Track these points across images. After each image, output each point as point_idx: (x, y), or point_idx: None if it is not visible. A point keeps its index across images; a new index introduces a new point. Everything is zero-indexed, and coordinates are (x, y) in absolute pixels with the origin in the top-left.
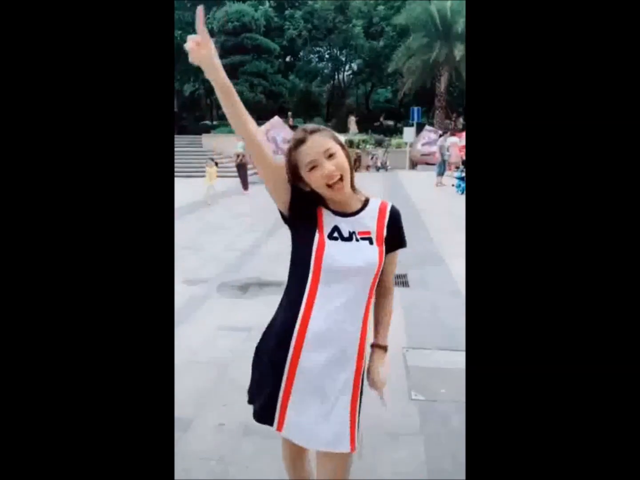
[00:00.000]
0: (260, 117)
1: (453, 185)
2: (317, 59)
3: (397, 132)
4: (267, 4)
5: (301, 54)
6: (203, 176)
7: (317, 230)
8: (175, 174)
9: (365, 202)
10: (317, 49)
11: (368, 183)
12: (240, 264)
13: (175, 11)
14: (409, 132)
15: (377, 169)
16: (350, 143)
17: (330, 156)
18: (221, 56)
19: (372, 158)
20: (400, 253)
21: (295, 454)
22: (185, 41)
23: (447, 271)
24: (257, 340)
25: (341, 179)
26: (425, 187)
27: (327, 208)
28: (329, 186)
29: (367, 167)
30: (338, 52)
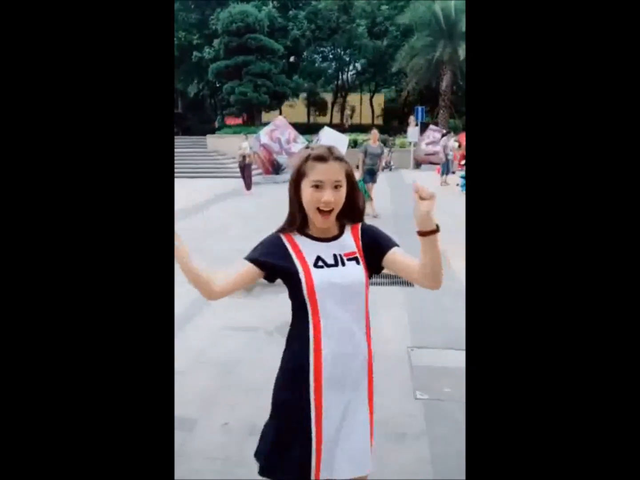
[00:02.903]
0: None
1: (458, 184)
2: (320, 59)
3: (401, 131)
4: (271, 4)
5: (305, 54)
6: (206, 177)
7: (299, 266)
8: (180, 174)
9: (342, 227)
10: (321, 49)
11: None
12: None
13: (179, 12)
14: (413, 132)
15: (382, 168)
16: (355, 142)
17: (336, 187)
18: (225, 57)
19: None
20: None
21: None
22: (189, 42)
23: (451, 270)
24: (262, 340)
25: (331, 211)
26: (429, 187)
27: (306, 234)
28: (319, 211)
29: None
30: (342, 52)
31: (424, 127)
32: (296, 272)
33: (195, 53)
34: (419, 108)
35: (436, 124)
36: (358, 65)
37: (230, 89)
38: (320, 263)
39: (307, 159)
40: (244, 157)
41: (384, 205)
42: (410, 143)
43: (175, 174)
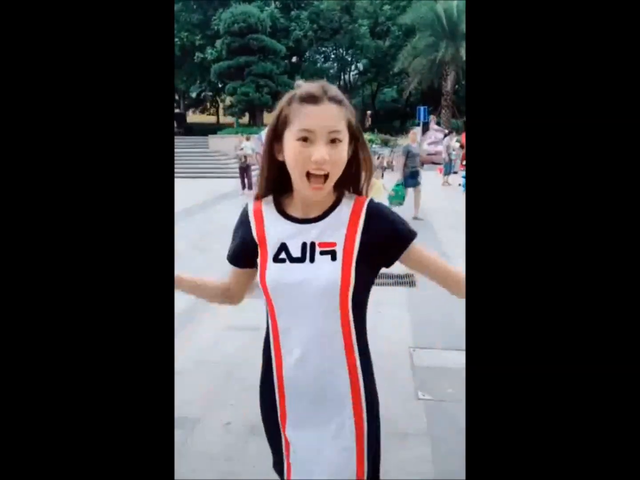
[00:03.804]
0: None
1: (460, 184)
2: (323, 60)
3: (403, 131)
4: (273, 4)
5: (307, 54)
6: (209, 177)
7: (259, 257)
8: (182, 174)
9: (336, 202)
10: (323, 49)
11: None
12: None
13: (181, 13)
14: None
15: (384, 168)
16: None
17: (333, 142)
18: (227, 57)
19: (378, 158)
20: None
21: None
22: (191, 43)
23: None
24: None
25: (326, 177)
26: (431, 186)
27: (281, 211)
28: (308, 176)
29: None
30: (344, 52)
31: (426, 127)
32: (256, 266)
33: (197, 54)
34: (421, 108)
35: (438, 124)
36: (360, 65)
37: (232, 89)
38: (282, 255)
39: (290, 100)
40: (245, 157)
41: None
42: None
43: (177, 174)
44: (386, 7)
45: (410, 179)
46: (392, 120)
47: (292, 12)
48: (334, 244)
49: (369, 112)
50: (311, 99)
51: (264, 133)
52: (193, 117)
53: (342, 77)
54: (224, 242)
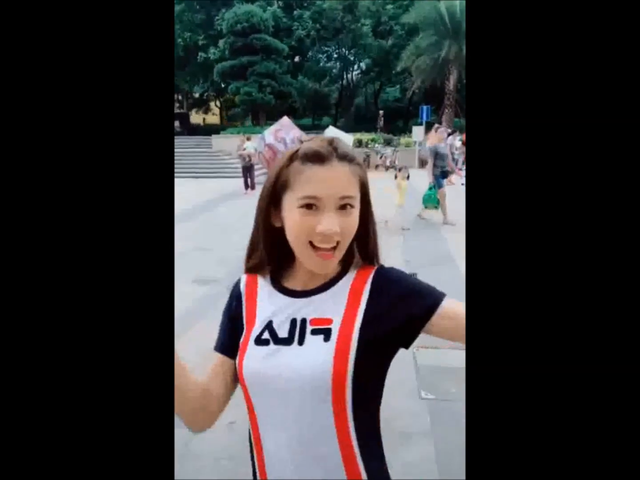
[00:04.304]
0: (270, 117)
1: (462, 184)
2: (325, 59)
3: (406, 130)
4: (276, 4)
5: (310, 54)
6: (212, 177)
7: (243, 337)
8: (185, 174)
9: (341, 273)
10: (326, 48)
11: (377, 183)
12: None
13: (184, 13)
14: (418, 131)
15: (386, 168)
16: (359, 142)
17: (343, 208)
18: (230, 57)
19: (381, 157)
20: (408, 252)
21: None
22: (194, 42)
23: (457, 270)
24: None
25: (335, 247)
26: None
27: (277, 284)
28: (313, 247)
29: (376, 167)
30: (346, 52)
31: (429, 126)
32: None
33: (200, 53)
34: (424, 107)
35: (440, 123)
36: (363, 64)
37: (235, 89)
38: (265, 335)
39: (291, 158)
40: (249, 157)
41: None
42: (415, 142)
43: (181, 174)
44: (389, 6)
45: (442, 179)
46: (395, 119)
47: (295, 12)
48: (329, 321)
49: (381, 112)
50: (316, 158)
51: (267, 132)
52: (196, 117)
53: (345, 76)
54: (227, 243)
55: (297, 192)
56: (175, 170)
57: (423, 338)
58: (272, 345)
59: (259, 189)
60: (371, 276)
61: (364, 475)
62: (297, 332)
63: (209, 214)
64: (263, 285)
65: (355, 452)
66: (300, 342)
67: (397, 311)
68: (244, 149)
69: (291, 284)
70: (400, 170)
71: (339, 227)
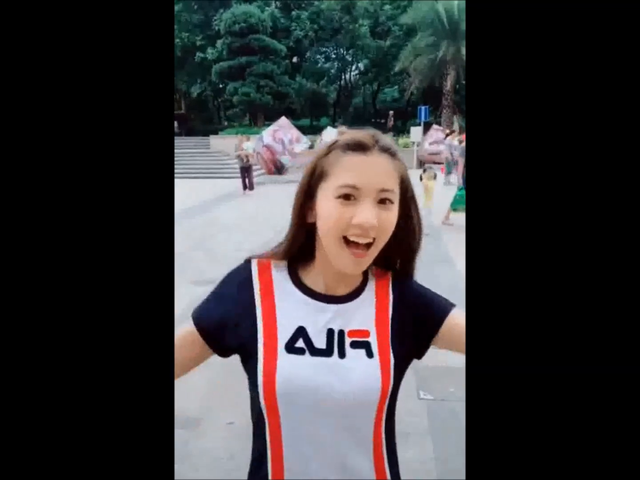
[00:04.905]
0: (268, 118)
1: (464, 185)
2: (323, 60)
3: (404, 131)
4: (274, 5)
5: (308, 54)
6: (210, 177)
7: (261, 341)
8: (183, 175)
9: (365, 279)
10: (324, 49)
11: None
12: None
13: (182, 13)
14: (416, 132)
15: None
16: None
17: (383, 202)
18: (228, 58)
19: None
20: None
21: None
22: (192, 43)
23: (456, 270)
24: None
25: (370, 245)
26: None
27: (299, 283)
28: (347, 242)
29: None
30: (344, 52)
31: (427, 127)
32: (254, 354)
33: (198, 54)
34: (422, 108)
35: (439, 124)
36: (361, 65)
37: (233, 89)
38: (299, 344)
39: (330, 149)
40: (247, 157)
41: None
42: (413, 143)
43: (179, 175)
44: (387, 6)
45: None
46: (394, 120)
47: (293, 12)
48: (367, 333)
49: (391, 112)
50: (358, 147)
51: (265, 133)
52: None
53: (343, 77)
54: (226, 243)
55: (335, 181)
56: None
57: None
58: (308, 356)
59: (257, 190)
60: (391, 285)
61: (386, 470)
62: (336, 343)
63: (208, 214)
64: (279, 279)
65: (385, 462)
66: (341, 355)
67: (415, 323)
68: (243, 149)
69: (313, 284)
70: (425, 171)
71: (377, 220)
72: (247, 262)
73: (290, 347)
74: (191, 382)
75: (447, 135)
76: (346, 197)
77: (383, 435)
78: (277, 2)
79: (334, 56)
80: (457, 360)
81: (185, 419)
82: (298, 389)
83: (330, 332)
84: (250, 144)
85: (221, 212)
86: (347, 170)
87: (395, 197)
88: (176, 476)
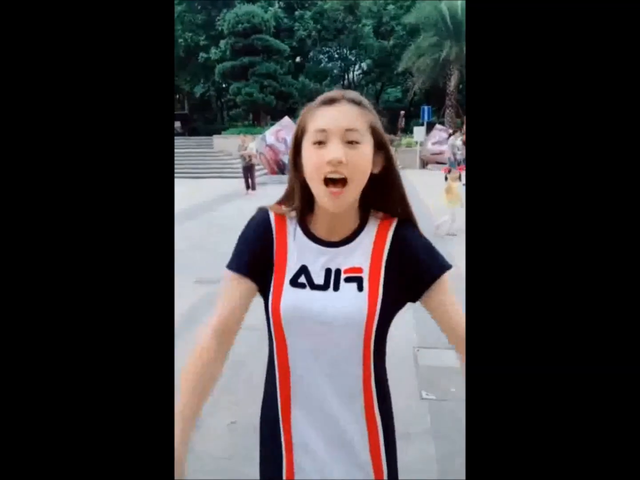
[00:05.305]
0: (271, 118)
1: (463, 184)
2: (326, 60)
3: (408, 131)
4: (277, 5)
5: (311, 54)
6: (212, 177)
7: (273, 274)
8: (186, 175)
9: (362, 225)
10: (327, 49)
11: None
12: None
13: (185, 13)
14: (419, 131)
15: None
16: None
17: (351, 143)
18: (231, 58)
19: None
20: None
21: None
22: (195, 43)
23: (458, 270)
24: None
25: (345, 182)
26: (436, 186)
27: (306, 230)
28: (326, 183)
29: None
30: (348, 52)
31: (430, 127)
32: (269, 286)
33: (201, 54)
34: (426, 108)
35: (442, 124)
36: (364, 65)
37: (236, 89)
38: (301, 279)
39: (309, 108)
40: (250, 157)
41: None
42: (416, 143)
43: (182, 174)
44: (390, 6)
45: None
46: (397, 120)
47: (296, 12)
48: (360, 270)
49: (402, 111)
50: (328, 101)
51: (268, 133)
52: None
53: (346, 77)
54: (228, 242)
55: (310, 131)
56: (177, 170)
57: (424, 338)
58: (308, 289)
59: (259, 190)
60: (391, 232)
61: (373, 389)
62: (332, 279)
63: (209, 214)
64: (291, 228)
65: (372, 373)
66: (336, 289)
67: (409, 270)
68: (245, 149)
69: (316, 231)
70: (450, 171)
71: (345, 158)
72: (262, 210)
73: (294, 282)
74: None
75: (450, 135)
76: (320, 142)
77: (372, 356)
78: (280, 2)
79: (337, 56)
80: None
81: None
82: (297, 312)
83: (327, 271)
84: (252, 144)
85: (224, 212)
86: (318, 119)
87: (363, 139)
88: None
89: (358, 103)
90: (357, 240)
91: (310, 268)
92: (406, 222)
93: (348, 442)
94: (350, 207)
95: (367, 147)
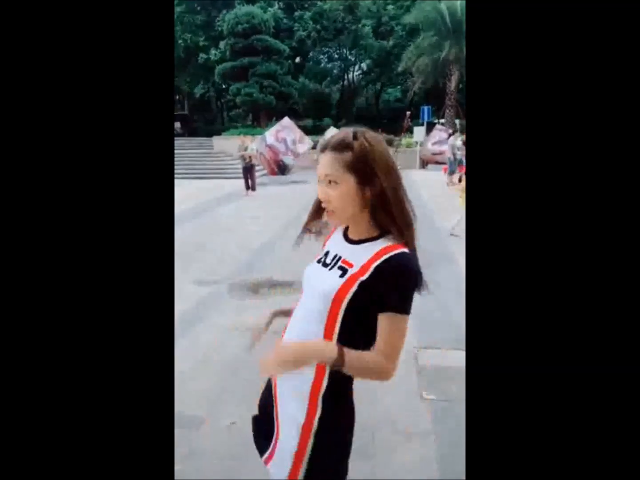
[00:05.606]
0: (271, 118)
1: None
2: (326, 60)
3: (407, 131)
4: (276, 5)
5: (310, 54)
6: (212, 177)
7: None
8: (186, 175)
9: (374, 237)
10: (327, 49)
11: None
12: (252, 265)
13: (185, 14)
14: (419, 132)
15: None
16: None
17: (329, 183)
18: (231, 58)
19: None
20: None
21: None
22: (195, 44)
23: (458, 270)
24: (269, 340)
25: (333, 211)
26: (436, 187)
27: (344, 232)
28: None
29: None
30: (347, 53)
31: (430, 127)
32: None
33: (201, 55)
34: (425, 108)
35: (443, 124)
36: (364, 65)
37: (236, 90)
38: (321, 258)
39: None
40: (250, 157)
41: None
42: (416, 143)
43: (182, 175)
44: (390, 6)
45: None
46: (397, 120)
47: (296, 13)
48: (351, 265)
49: (408, 112)
50: (322, 148)
51: (268, 133)
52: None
53: (346, 77)
54: (228, 243)
55: None
56: (177, 171)
57: (424, 338)
58: (320, 266)
59: (259, 190)
60: (386, 256)
61: (324, 383)
62: (333, 262)
63: (210, 214)
64: (338, 231)
65: (335, 334)
66: (331, 269)
67: (377, 293)
68: (245, 149)
69: (348, 232)
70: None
71: (326, 195)
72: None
73: (319, 260)
74: (194, 382)
75: (450, 135)
76: (319, 180)
77: (338, 323)
78: (279, 3)
79: (336, 56)
80: (460, 360)
81: (188, 419)
82: (305, 280)
83: (335, 256)
84: (252, 145)
85: (224, 212)
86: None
87: (339, 179)
88: (178, 476)
89: (338, 149)
90: (365, 245)
91: (330, 253)
92: (398, 254)
93: (297, 390)
94: (355, 222)
95: (345, 185)
